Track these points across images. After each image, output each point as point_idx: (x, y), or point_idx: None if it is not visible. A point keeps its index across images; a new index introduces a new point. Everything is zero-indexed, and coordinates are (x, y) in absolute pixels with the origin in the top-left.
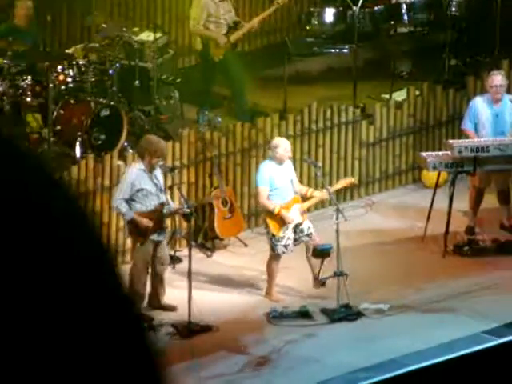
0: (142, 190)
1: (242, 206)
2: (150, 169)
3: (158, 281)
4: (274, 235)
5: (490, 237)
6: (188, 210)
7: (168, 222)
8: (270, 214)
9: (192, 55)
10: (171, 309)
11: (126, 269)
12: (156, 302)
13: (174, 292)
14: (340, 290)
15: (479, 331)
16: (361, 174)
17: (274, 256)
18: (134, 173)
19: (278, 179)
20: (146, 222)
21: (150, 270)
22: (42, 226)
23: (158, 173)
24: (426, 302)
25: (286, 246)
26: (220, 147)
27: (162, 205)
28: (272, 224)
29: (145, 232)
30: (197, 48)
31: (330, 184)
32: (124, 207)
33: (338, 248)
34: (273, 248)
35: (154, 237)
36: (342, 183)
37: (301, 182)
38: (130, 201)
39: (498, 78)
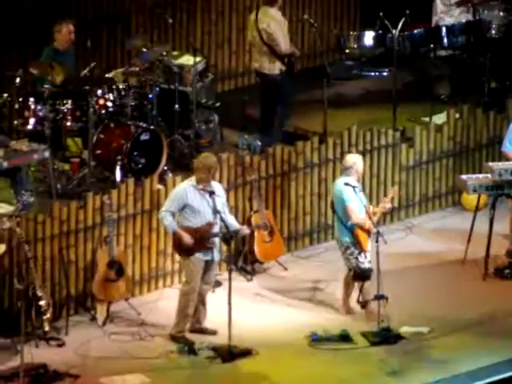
0: (189, 205)
1: (281, 230)
2: (201, 187)
3: (200, 302)
4: (361, 252)
5: None
6: (247, 231)
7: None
8: (360, 230)
9: (232, 79)
10: (212, 333)
11: (166, 292)
12: (197, 325)
13: (215, 315)
14: (380, 313)
15: None
16: (401, 197)
17: (352, 277)
18: (184, 188)
19: (359, 195)
20: (187, 239)
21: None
22: None
23: (219, 192)
24: (467, 326)
25: (370, 261)
26: (259, 171)
27: (210, 224)
28: (363, 239)
29: (186, 248)
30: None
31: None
32: (167, 220)
33: (378, 271)
34: (359, 266)
35: (201, 255)
36: (390, 194)
37: None
38: (175, 215)
39: None
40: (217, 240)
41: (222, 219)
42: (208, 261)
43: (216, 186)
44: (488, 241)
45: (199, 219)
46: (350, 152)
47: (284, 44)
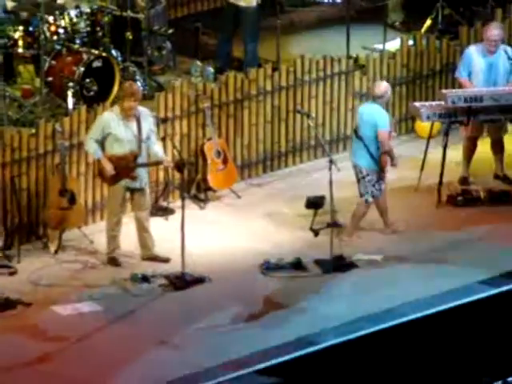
0: (111, 134)
1: (235, 158)
2: (125, 115)
3: (142, 230)
4: (380, 180)
5: (484, 187)
6: (168, 164)
7: (161, 173)
8: (385, 158)
9: (184, 6)
10: (164, 260)
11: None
12: (148, 253)
13: (167, 243)
14: (333, 241)
15: (474, 281)
16: (354, 124)
17: (370, 204)
18: (107, 116)
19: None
20: (109, 168)
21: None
22: None
23: (147, 122)
24: (420, 253)
25: (381, 190)
26: (212, 98)
27: (132, 153)
28: (385, 168)
29: (111, 176)
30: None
31: (323, 135)
32: (91, 147)
33: (331, 199)
34: (374, 195)
35: (126, 183)
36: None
37: (294, 133)
38: (99, 142)
39: (494, 33)
40: (142, 169)
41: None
42: (134, 188)
43: (143, 112)
44: (441, 168)
45: (122, 148)
46: (381, 80)
47: None
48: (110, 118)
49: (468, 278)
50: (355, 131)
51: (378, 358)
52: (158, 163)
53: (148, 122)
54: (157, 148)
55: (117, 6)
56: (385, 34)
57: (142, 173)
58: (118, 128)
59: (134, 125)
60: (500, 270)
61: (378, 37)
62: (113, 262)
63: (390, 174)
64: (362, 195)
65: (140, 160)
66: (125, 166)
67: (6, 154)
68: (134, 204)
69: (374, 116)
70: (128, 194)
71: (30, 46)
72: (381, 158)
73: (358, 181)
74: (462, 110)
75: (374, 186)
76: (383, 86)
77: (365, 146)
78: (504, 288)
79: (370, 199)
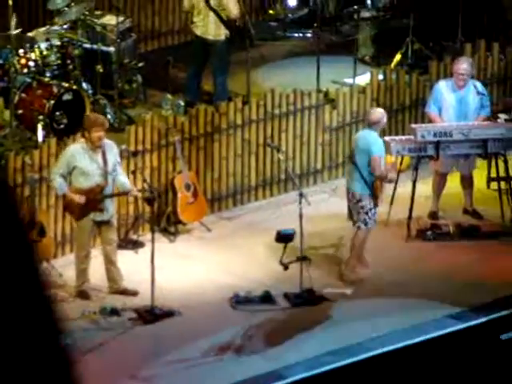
0: (77, 167)
1: (205, 191)
2: (93, 147)
3: (109, 263)
4: (373, 208)
5: (453, 221)
6: (136, 193)
7: (131, 206)
8: (378, 184)
9: (155, 39)
10: (133, 293)
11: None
12: (115, 286)
13: (137, 277)
14: (303, 275)
15: (443, 315)
16: (324, 158)
17: (366, 232)
18: (72, 149)
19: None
20: (78, 199)
21: (103, 254)
22: None
23: (112, 153)
24: (389, 287)
25: (375, 220)
26: (183, 131)
27: (99, 186)
28: (378, 194)
29: (78, 210)
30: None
31: (293, 169)
32: (57, 182)
33: (301, 233)
34: (367, 223)
35: (94, 216)
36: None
37: (264, 166)
38: (67, 177)
39: (463, 67)
40: (108, 201)
41: (120, 179)
42: (101, 221)
43: (108, 144)
44: (411, 202)
45: (88, 181)
46: (376, 106)
47: (235, 9)
48: (75, 151)
49: (436, 313)
50: (350, 157)
51: None
52: (125, 193)
53: (113, 154)
54: (123, 179)
55: (87, 39)
56: (355, 68)
57: (109, 205)
58: (83, 161)
59: (99, 157)
60: (469, 305)
61: (348, 71)
62: (82, 295)
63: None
64: (354, 223)
65: (106, 192)
66: (92, 199)
67: None
68: (101, 238)
69: (369, 143)
70: (95, 228)
71: (0, 79)
72: (374, 184)
73: (350, 209)
74: (431, 145)
75: (366, 213)
76: (378, 113)
77: (359, 172)
78: (472, 323)
79: (363, 226)
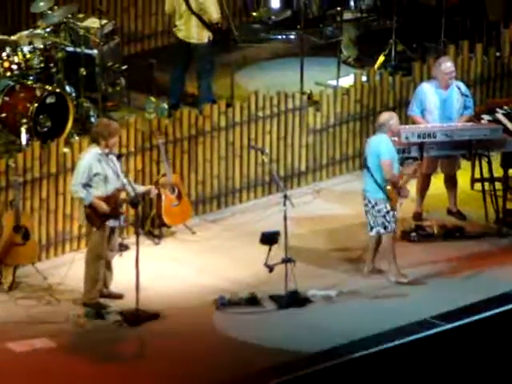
0: (98, 174)
1: (189, 193)
2: (107, 153)
3: (107, 268)
4: (390, 210)
5: (437, 222)
6: (155, 192)
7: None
8: (392, 188)
9: (138, 42)
10: (118, 297)
11: (73, 256)
12: (104, 290)
13: (122, 279)
14: (288, 277)
15: (427, 316)
16: (308, 160)
17: (391, 235)
18: (88, 158)
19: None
20: (106, 207)
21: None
22: None
23: (114, 158)
24: (375, 288)
25: (395, 222)
26: (167, 134)
27: (118, 190)
28: (393, 197)
29: (102, 217)
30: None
31: (278, 171)
32: (82, 192)
33: (285, 235)
34: (386, 226)
35: (110, 223)
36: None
37: (248, 168)
38: (87, 186)
39: (450, 65)
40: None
41: (129, 183)
42: (113, 227)
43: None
44: None
45: (109, 186)
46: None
47: (215, 13)
48: (92, 159)
49: (422, 314)
50: (364, 161)
51: None
52: (144, 194)
53: (114, 158)
54: (125, 181)
55: (70, 42)
56: (338, 70)
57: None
58: (102, 167)
59: (110, 162)
60: (454, 305)
61: (332, 73)
62: (96, 306)
63: (345, 210)
64: (371, 229)
65: (122, 196)
66: (113, 205)
67: None
68: (108, 243)
69: (379, 146)
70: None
71: None
72: (388, 188)
73: (366, 213)
74: (415, 146)
75: (384, 216)
76: (385, 115)
77: (372, 176)
78: (457, 323)
79: (383, 230)
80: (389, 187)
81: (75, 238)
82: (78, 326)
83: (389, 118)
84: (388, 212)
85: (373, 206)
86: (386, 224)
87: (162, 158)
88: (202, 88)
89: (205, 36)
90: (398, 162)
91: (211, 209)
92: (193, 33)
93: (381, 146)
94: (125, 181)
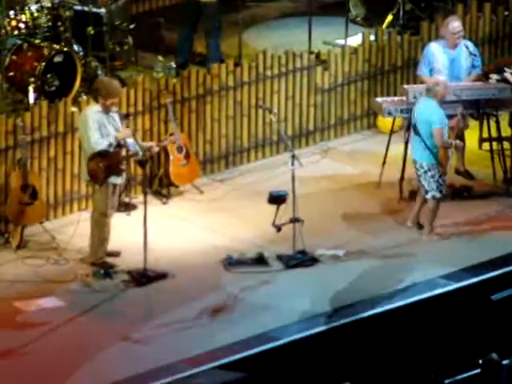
0: (103, 129)
1: (197, 153)
2: (106, 111)
3: None
4: (442, 175)
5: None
6: (157, 149)
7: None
8: (444, 152)
9: (146, 1)
10: (115, 254)
11: (80, 215)
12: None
13: (130, 239)
14: (296, 237)
15: (436, 276)
16: (316, 120)
17: (438, 200)
18: (93, 114)
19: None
20: (128, 131)
21: None
22: None
23: (116, 116)
24: (382, 248)
25: (448, 185)
26: (175, 93)
27: (120, 147)
28: (444, 162)
29: (103, 174)
30: None
31: (286, 131)
32: (103, 143)
33: (293, 194)
34: (441, 190)
35: (113, 180)
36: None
37: (256, 128)
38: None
39: (458, 24)
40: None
41: (136, 142)
42: (115, 184)
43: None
44: (403, 163)
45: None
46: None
47: None
48: (97, 115)
49: (430, 273)
50: (414, 127)
51: (339, 352)
52: (148, 150)
53: (117, 116)
54: (130, 139)
55: (78, 0)
56: (346, 29)
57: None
58: (106, 123)
59: (112, 118)
60: (463, 264)
61: (340, 32)
62: (103, 265)
63: (353, 169)
64: (426, 192)
65: (123, 152)
66: (116, 161)
67: None
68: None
69: (429, 113)
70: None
71: None
72: (440, 153)
73: (419, 177)
74: None
75: (437, 181)
76: (433, 80)
77: (423, 142)
78: (464, 283)
79: (438, 194)
80: (442, 153)
81: (83, 197)
82: (85, 285)
83: (434, 82)
84: (441, 176)
85: (425, 172)
86: (441, 188)
87: (169, 118)
88: (211, 47)
89: None
90: (448, 126)
91: (219, 168)
92: None
93: (431, 114)
94: (130, 139)
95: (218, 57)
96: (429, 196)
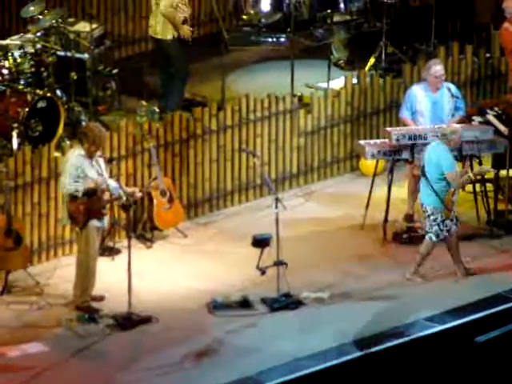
0: (85, 174)
1: (181, 197)
2: (90, 155)
3: None
4: (446, 219)
5: None
6: (140, 194)
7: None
8: (450, 198)
9: (129, 46)
10: (99, 299)
11: (65, 260)
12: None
13: (114, 283)
14: (280, 279)
15: (420, 318)
16: (299, 163)
17: (434, 243)
18: (75, 158)
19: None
20: (93, 184)
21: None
22: None
23: (101, 160)
24: (367, 290)
25: (448, 231)
26: (158, 138)
27: (102, 191)
28: (449, 206)
29: (83, 217)
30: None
31: (269, 174)
32: (74, 187)
33: (277, 237)
34: (439, 235)
35: (95, 223)
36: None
37: (239, 171)
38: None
39: (440, 68)
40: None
41: (120, 186)
42: (98, 228)
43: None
44: (386, 206)
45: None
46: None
47: (164, 6)
48: (78, 159)
49: (414, 315)
50: (422, 170)
51: None
52: (131, 196)
53: (102, 161)
54: (113, 183)
55: (61, 46)
56: (329, 72)
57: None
58: (87, 168)
59: (94, 163)
60: (447, 306)
61: (323, 75)
62: (88, 309)
63: (336, 212)
64: (426, 233)
65: (107, 196)
66: (97, 205)
67: None
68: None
69: (439, 157)
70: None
71: None
72: (446, 197)
73: (424, 218)
74: (406, 148)
75: (438, 225)
76: (452, 128)
77: (430, 185)
78: (449, 325)
79: (434, 238)
80: (448, 197)
81: (67, 242)
82: (70, 330)
83: (453, 131)
84: (443, 221)
85: (429, 216)
86: (439, 232)
87: (153, 162)
88: (168, 90)
89: (168, 32)
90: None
91: (203, 212)
92: (157, 28)
93: (442, 159)
94: (113, 184)
95: (171, 105)
96: (426, 237)
